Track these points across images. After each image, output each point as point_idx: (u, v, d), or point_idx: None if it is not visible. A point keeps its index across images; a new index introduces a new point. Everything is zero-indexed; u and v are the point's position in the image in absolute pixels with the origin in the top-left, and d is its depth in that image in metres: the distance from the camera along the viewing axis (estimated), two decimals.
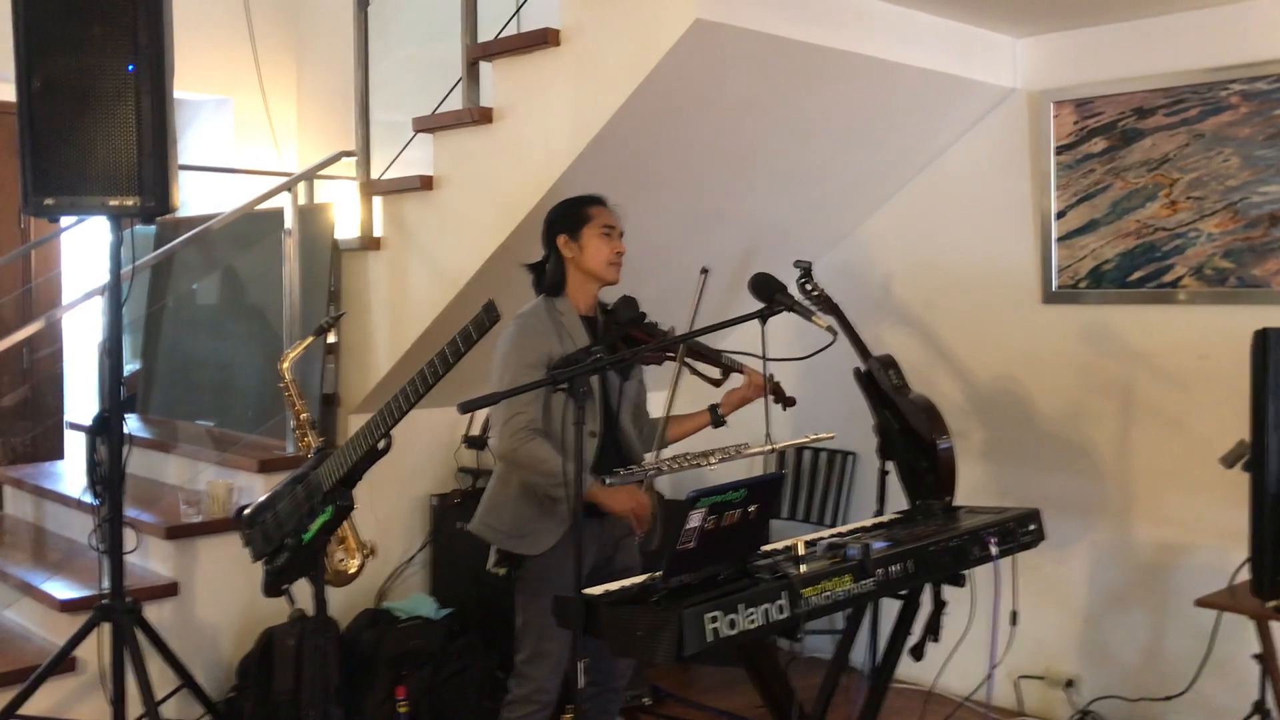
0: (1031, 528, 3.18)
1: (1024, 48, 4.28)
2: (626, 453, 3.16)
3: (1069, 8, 3.88)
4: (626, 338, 3.13)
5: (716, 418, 3.26)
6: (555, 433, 3.05)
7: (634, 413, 3.27)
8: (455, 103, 4.05)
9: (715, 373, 3.22)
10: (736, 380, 3.22)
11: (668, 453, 3.16)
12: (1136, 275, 4.02)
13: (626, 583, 2.57)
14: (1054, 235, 4.20)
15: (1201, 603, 3.12)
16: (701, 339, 3.05)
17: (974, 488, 4.31)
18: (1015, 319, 4.34)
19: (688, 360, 3.19)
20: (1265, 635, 3.02)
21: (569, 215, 3.16)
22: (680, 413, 3.33)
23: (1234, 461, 3.08)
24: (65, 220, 4.69)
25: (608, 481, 2.84)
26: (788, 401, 3.26)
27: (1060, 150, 4.18)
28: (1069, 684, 4.19)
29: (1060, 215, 4.19)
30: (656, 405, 3.40)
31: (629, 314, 3.13)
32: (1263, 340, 2.90)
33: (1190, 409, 3.91)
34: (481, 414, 4.47)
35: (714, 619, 2.31)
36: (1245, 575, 3.01)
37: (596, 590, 2.51)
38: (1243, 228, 3.79)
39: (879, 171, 4.50)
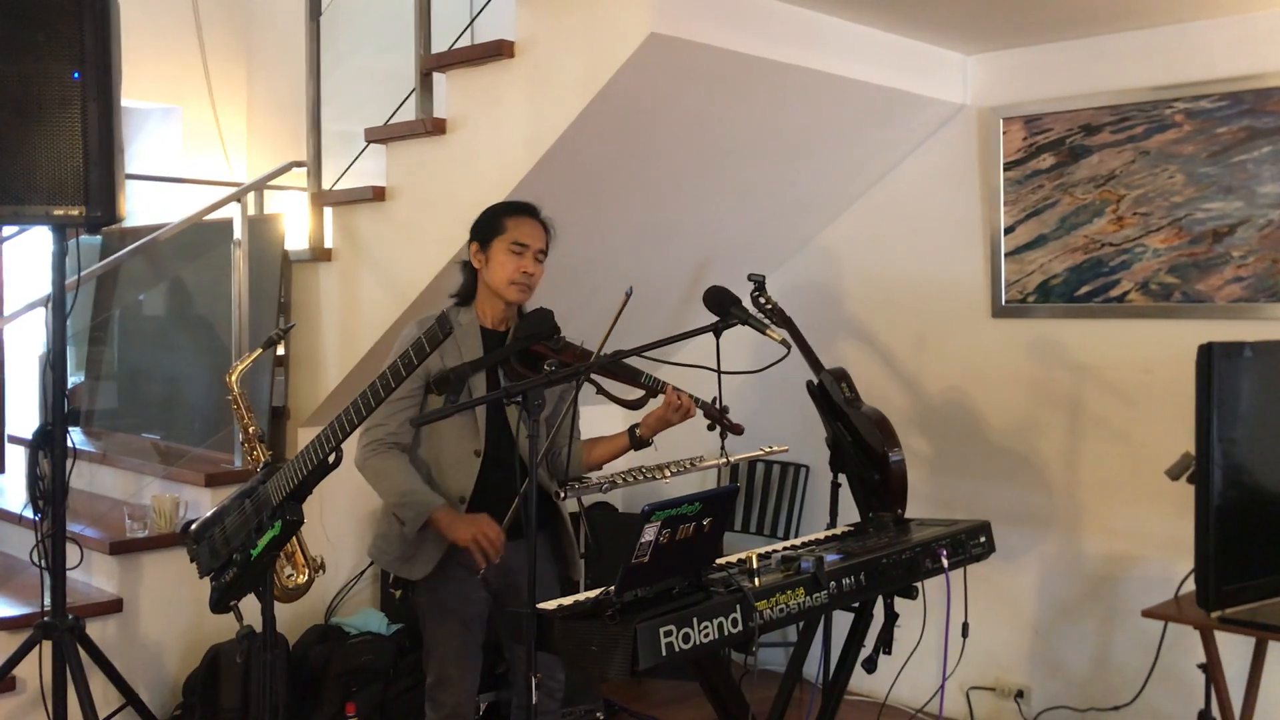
0: (982, 540, 3.20)
1: (974, 64, 4.33)
2: (527, 472, 3.01)
3: (1018, 26, 3.93)
4: (526, 353, 2.91)
5: (636, 440, 3.05)
6: (436, 450, 2.96)
7: (556, 431, 3.05)
8: (408, 113, 4.03)
9: (634, 394, 3.00)
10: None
11: (621, 465, 3.14)
12: (1084, 290, 4.07)
13: (580, 597, 2.56)
14: (1003, 250, 4.25)
15: (1148, 614, 3.15)
16: (623, 359, 2.80)
17: (925, 500, 4.34)
18: (965, 333, 4.38)
19: (596, 380, 2.84)
20: (1210, 645, 3.06)
21: (486, 222, 3.01)
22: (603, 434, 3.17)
23: (1179, 474, 3.12)
24: (7, 229, 4.63)
25: (563, 496, 2.82)
26: (733, 430, 3.03)
27: (1009, 166, 4.23)
28: (1019, 695, 4.22)
29: (1009, 230, 4.24)
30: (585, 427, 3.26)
31: (535, 329, 2.88)
32: (1207, 354, 2.95)
33: (1137, 422, 3.97)
34: None
35: (668, 633, 2.30)
36: (1191, 586, 3.05)
37: (550, 605, 2.49)
38: (1187, 243, 3.85)
39: (832, 186, 4.53)
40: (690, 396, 2.97)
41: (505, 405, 2.95)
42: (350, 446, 2.61)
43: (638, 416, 3.06)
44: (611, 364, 2.81)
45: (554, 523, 3.12)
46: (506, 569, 2.98)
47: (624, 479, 2.89)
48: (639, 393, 2.99)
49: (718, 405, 3.00)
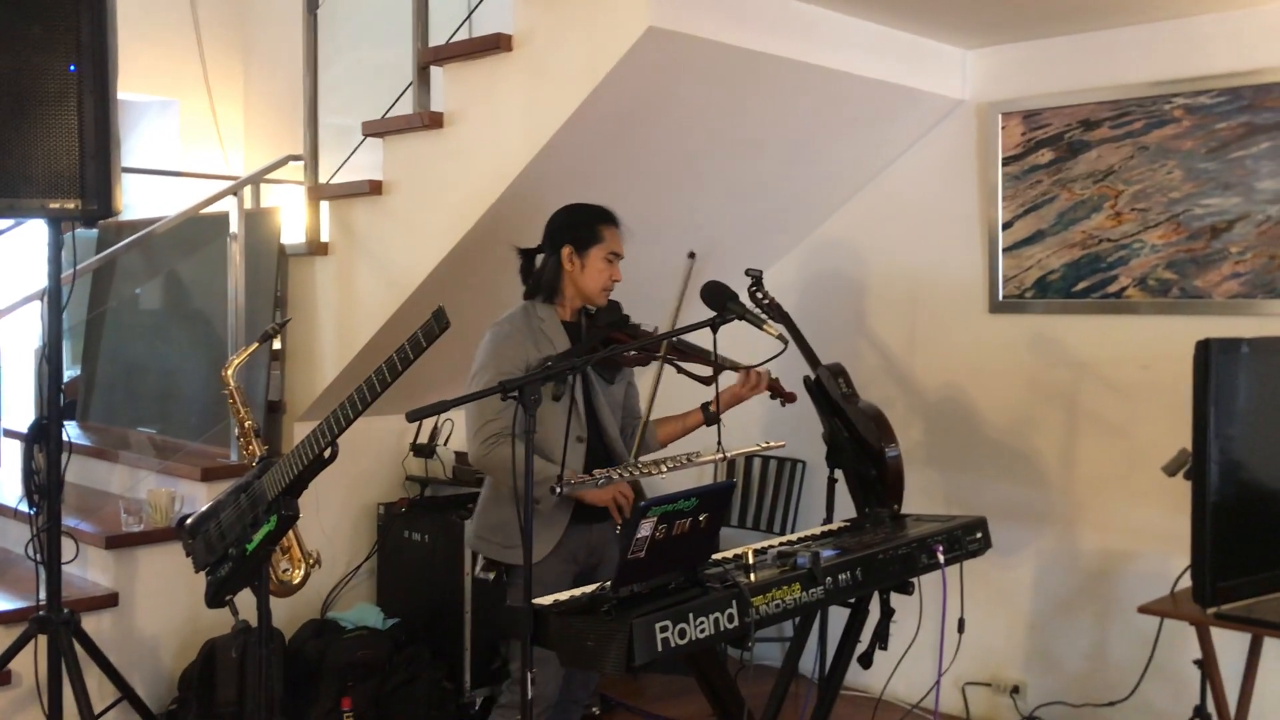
0: (978, 536, 3.20)
1: (973, 59, 4.32)
2: (614, 456, 3.15)
3: (1017, 20, 3.92)
4: (607, 341, 3.12)
5: (709, 416, 3.22)
6: (544, 440, 3.02)
7: (624, 415, 3.27)
8: (405, 107, 4.02)
9: (706, 371, 3.17)
10: (730, 378, 3.18)
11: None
12: (1082, 285, 4.07)
13: (576, 592, 2.55)
14: (1001, 245, 4.24)
15: (1144, 609, 3.15)
16: (688, 338, 3.03)
17: (922, 496, 4.34)
18: (962, 328, 4.37)
19: (671, 359, 3.19)
20: (1205, 641, 3.06)
21: (583, 228, 3.14)
22: (668, 414, 3.33)
23: (1176, 470, 3.12)
24: (3, 222, 4.62)
25: (558, 491, 2.82)
26: (787, 398, 3.29)
27: (1007, 161, 4.22)
28: (1015, 690, 4.22)
29: (1007, 226, 4.23)
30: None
31: (610, 316, 3.13)
32: (1205, 351, 2.94)
33: (1134, 418, 3.97)
34: (429, 422, 4.43)
35: (664, 628, 2.30)
36: (1187, 582, 3.05)
37: (546, 600, 2.49)
38: (1185, 239, 3.85)
39: (829, 180, 4.52)
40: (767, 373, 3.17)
41: (593, 395, 3.15)
42: (346, 441, 2.59)
43: (707, 394, 3.21)
44: (683, 344, 3.15)
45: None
46: (592, 548, 3.15)
47: (620, 474, 2.91)
48: (710, 370, 3.17)
49: (769, 376, 3.23)
